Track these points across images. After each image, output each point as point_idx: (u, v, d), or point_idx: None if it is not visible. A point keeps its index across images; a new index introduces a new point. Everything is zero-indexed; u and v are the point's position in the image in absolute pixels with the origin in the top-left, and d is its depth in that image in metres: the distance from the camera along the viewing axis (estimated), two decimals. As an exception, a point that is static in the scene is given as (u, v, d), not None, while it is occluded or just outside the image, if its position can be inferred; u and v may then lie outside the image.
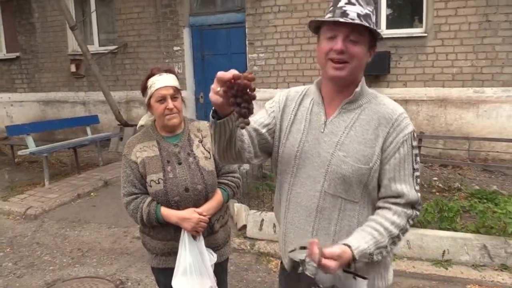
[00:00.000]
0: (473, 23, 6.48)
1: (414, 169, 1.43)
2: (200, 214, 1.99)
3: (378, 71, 6.93)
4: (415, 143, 1.45)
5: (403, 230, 1.42)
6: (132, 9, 8.75)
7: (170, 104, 2.00)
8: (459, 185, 5.25)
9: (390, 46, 6.93)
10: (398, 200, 1.42)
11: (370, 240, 1.37)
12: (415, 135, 1.45)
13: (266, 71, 7.83)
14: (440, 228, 3.84)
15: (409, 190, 1.41)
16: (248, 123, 1.17)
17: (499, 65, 6.44)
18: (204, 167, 2.05)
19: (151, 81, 2.03)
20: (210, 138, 1.41)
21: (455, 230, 3.83)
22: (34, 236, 4.69)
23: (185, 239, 1.99)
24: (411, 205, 1.43)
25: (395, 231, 1.40)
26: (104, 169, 7.02)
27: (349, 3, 1.38)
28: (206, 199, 2.06)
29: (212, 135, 1.37)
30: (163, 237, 2.07)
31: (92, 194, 5.99)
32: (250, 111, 1.15)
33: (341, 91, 1.47)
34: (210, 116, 1.32)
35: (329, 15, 1.40)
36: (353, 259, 1.33)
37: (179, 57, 8.51)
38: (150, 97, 2.03)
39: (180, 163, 2.04)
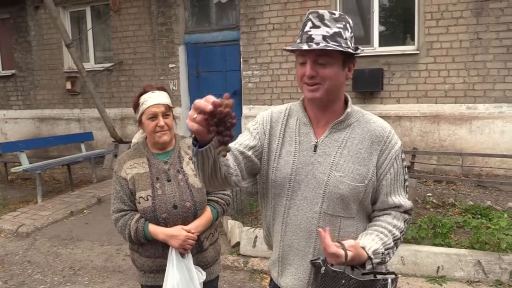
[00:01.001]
0: (464, 41, 6.59)
1: (405, 180, 1.52)
2: (188, 231, 1.97)
3: (372, 88, 6.99)
4: (403, 156, 1.53)
5: (403, 233, 1.51)
6: (128, 27, 8.84)
7: (161, 121, 2.01)
8: (453, 201, 5.25)
9: (383, 63, 7.02)
10: (396, 209, 1.51)
11: (379, 241, 1.43)
12: (403, 148, 1.53)
13: (260, 88, 7.89)
14: (434, 244, 3.83)
15: (404, 201, 1.50)
16: (229, 150, 1.17)
17: (490, 81, 6.52)
18: (193, 184, 2.05)
19: (143, 98, 2.04)
20: (194, 166, 1.36)
21: (449, 246, 3.82)
22: (26, 254, 4.63)
23: (172, 256, 1.97)
24: (406, 211, 1.53)
25: (397, 233, 1.48)
26: (98, 186, 6.98)
27: (314, 26, 1.38)
28: (195, 216, 2.04)
29: (195, 163, 1.32)
30: (151, 255, 2.05)
31: (85, 211, 5.95)
32: (231, 138, 1.14)
33: (324, 110, 1.49)
34: (191, 144, 1.27)
35: (298, 40, 1.42)
36: (369, 258, 1.38)
37: (174, 74, 8.56)
38: (142, 114, 2.04)
39: (169, 180, 2.03)
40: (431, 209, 5.06)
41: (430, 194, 5.70)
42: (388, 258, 1.45)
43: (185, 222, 2.01)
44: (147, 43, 8.72)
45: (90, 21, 9.43)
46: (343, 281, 1.33)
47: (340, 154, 1.45)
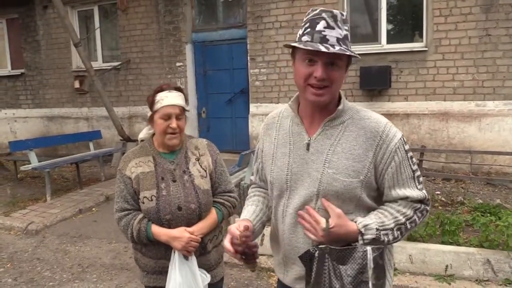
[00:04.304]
0: (473, 37, 6.52)
1: (413, 171, 1.44)
2: (191, 233, 1.94)
3: (379, 86, 6.95)
4: (407, 147, 1.45)
5: (411, 220, 1.43)
6: (135, 26, 8.88)
7: (173, 123, 1.95)
8: (462, 199, 5.21)
9: (391, 60, 6.97)
10: (402, 200, 1.45)
11: (374, 218, 1.41)
12: (405, 139, 1.46)
13: (267, 86, 7.88)
14: (443, 242, 3.80)
15: (412, 192, 1.43)
16: (255, 267, 1.52)
17: (500, 78, 6.45)
18: (199, 186, 2.01)
19: (159, 96, 1.97)
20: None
21: (458, 244, 3.78)
22: (35, 251, 4.68)
23: (175, 258, 1.94)
24: (419, 201, 1.44)
25: (401, 217, 1.42)
26: (106, 184, 7.02)
27: (328, 26, 1.35)
28: (200, 218, 2.01)
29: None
30: (153, 255, 2.03)
31: (93, 209, 5.99)
32: (254, 258, 1.47)
33: (321, 110, 1.47)
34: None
35: (306, 37, 1.37)
36: (359, 232, 1.37)
37: (181, 72, 8.58)
38: (155, 112, 1.98)
39: (174, 181, 2.00)
40: (440, 207, 5.03)
41: (438, 192, 5.66)
42: (386, 239, 1.40)
43: (189, 224, 1.98)
44: (155, 42, 8.75)
45: (98, 20, 9.48)
46: (327, 256, 1.35)
47: (333, 151, 1.43)
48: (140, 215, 1.99)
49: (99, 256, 4.48)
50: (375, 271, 1.33)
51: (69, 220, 5.60)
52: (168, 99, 1.95)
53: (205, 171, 2.06)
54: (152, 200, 1.96)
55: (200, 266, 2.02)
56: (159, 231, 1.95)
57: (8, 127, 10.60)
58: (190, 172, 2.02)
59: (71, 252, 4.61)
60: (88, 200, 6.21)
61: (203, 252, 2.06)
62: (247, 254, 1.43)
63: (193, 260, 1.98)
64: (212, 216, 2.06)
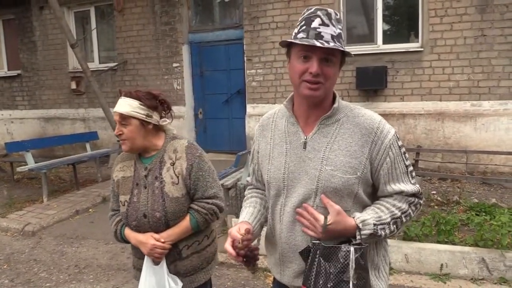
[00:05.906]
0: (469, 38, 6.55)
1: (407, 166, 1.50)
2: (157, 240, 1.92)
3: (375, 86, 6.97)
4: (400, 143, 1.50)
5: (406, 214, 1.48)
6: (132, 27, 8.87)
7: (116, 129, 1.99)
8: (458, 199, 5.23)
9: (387, 60, 7.00)
10: (397, 195, 1.49)
11: (371, 213, 1.45)
12: (398, 135, 1.51)
13: (264, 87, 7.89)
14: (438, 242, 3.82)
15: (406, 186, 1.48)
16: (256, 269, 1.52)
17: (495, 78, 6.48)
18: (168, 193, 1.93)
19: None
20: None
21: (453, 243, 3.81)
22: (32, 252, 4.67)
23: (145, 262, 1.97)
24: (412, 195, 1.50)
25: (397, 212, 1.46)
26: (103, 185, 7.02)
27: (323, 24, 1.39)
28: (167, 226, 1.95)
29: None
30: (135, 254, 2.11)
31: (90, 210, 5.98)
32: (255, 260, 1.48)
33: (315, 108, 1.51)
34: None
35: (301, 34, 1.41)
36: (357, 228, 1.40)
37: (178, 73, 8.59)
38: None
39: (145, 187, 1.98)
40: (436, 207, 5.05)
41: (434, 192, 5.68)
42: (383, 233, 1.43)
43: (156, 231, 1.96)
44: (151, 43, 8.75)
45: (95, 21, 9.47)
46: (318, 251, 1.38)
47: (330, 148, 1.46)
48: (118, 218, 2.07)
49: (96, 257, 4.48)
50: (357, 271, 1.35)
51: (66, 221, 5.59)
52: (116, 105, 1.98)
53: (178, 177, 1.95)
54: (124, 205, 1.99)
55: (176, 271, 1.99)
56: (129, 235, 2.02)
57: (5, 128, 10.58)
58: (162, 178, 1.95)
59: (68, 253, 4.61)
60: (85, 201, 6.21)
61: (178, 258, 2.00)
62: (248, 256, 1.44)
63: (163, 265, 1.95)
64: (184, 223, 1.97)
